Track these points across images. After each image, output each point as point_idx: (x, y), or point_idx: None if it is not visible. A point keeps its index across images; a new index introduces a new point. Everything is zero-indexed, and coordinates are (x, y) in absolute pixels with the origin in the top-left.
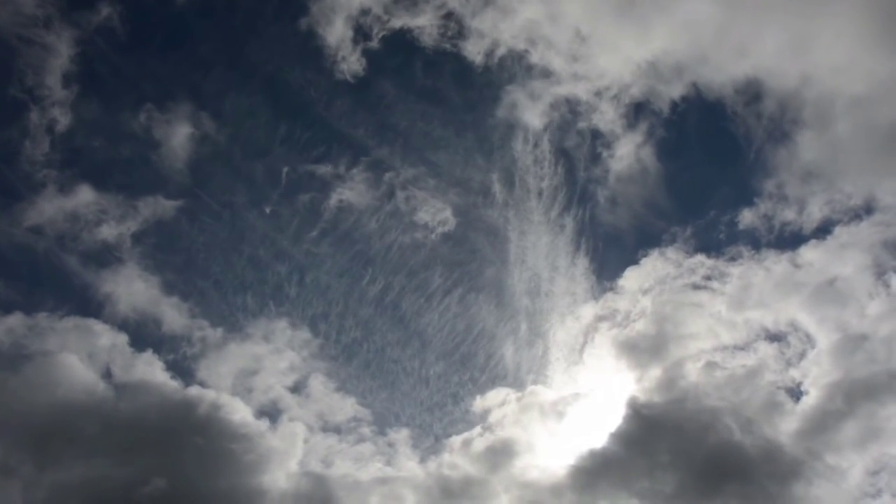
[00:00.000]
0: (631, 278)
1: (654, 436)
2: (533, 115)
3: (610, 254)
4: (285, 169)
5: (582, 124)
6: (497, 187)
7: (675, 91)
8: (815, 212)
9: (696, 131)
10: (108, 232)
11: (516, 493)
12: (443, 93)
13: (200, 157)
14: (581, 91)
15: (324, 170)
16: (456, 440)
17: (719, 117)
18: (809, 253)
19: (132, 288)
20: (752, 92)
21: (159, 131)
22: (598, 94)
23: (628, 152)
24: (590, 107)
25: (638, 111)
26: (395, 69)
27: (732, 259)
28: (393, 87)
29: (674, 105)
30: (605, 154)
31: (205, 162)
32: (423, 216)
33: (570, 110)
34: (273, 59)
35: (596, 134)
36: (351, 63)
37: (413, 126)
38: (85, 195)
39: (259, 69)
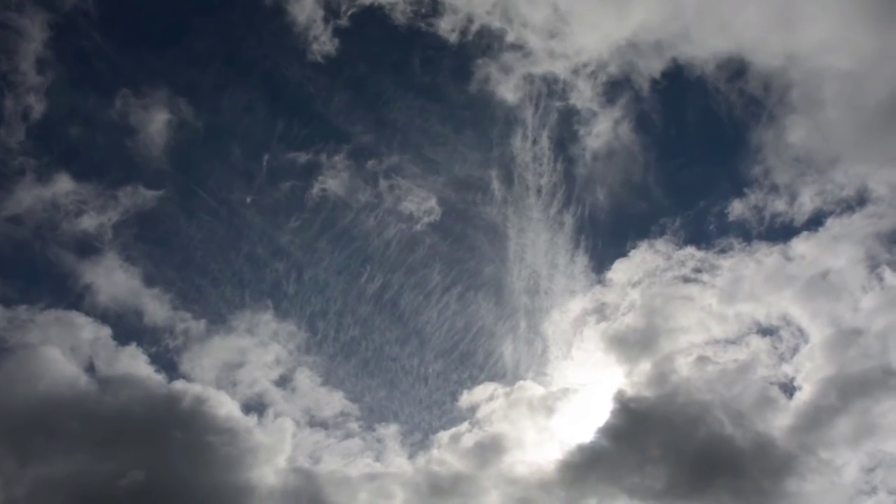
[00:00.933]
0: (620, 271)
1: (644, 430)
2: (506, 90)
3: (598, 245)
4: (266, 157)
5: (562, 103)
6: (496, 184)
7: (656, 67)
8: (807, 203)
9: (678, 111)
10: (88, 222)
11: (505, 489)
12: (415, 71)
13: (180, 145)
14: (559, 69)
15: (305, 157)
16: (444, 436)
17: (701, 95)
18: (801, 245)
19: (114, 279)
20: (735, 69)
21: (135, 117)
22: (576, 71)
23: (606, 129)
24: (567, 85)
25: (617, 88)
26: (367, 49)
27: (723, 251)
28: (366, 68)
29: (654, 82)
30: (581, 131)
31: (185, 150)
32: (409, 206)
33: (549, 88)
34: (244, 39)
35: (576, 112)
36: (322, 43)
37: (412, 122)
38: (64, 184)
39: (244, 58)
